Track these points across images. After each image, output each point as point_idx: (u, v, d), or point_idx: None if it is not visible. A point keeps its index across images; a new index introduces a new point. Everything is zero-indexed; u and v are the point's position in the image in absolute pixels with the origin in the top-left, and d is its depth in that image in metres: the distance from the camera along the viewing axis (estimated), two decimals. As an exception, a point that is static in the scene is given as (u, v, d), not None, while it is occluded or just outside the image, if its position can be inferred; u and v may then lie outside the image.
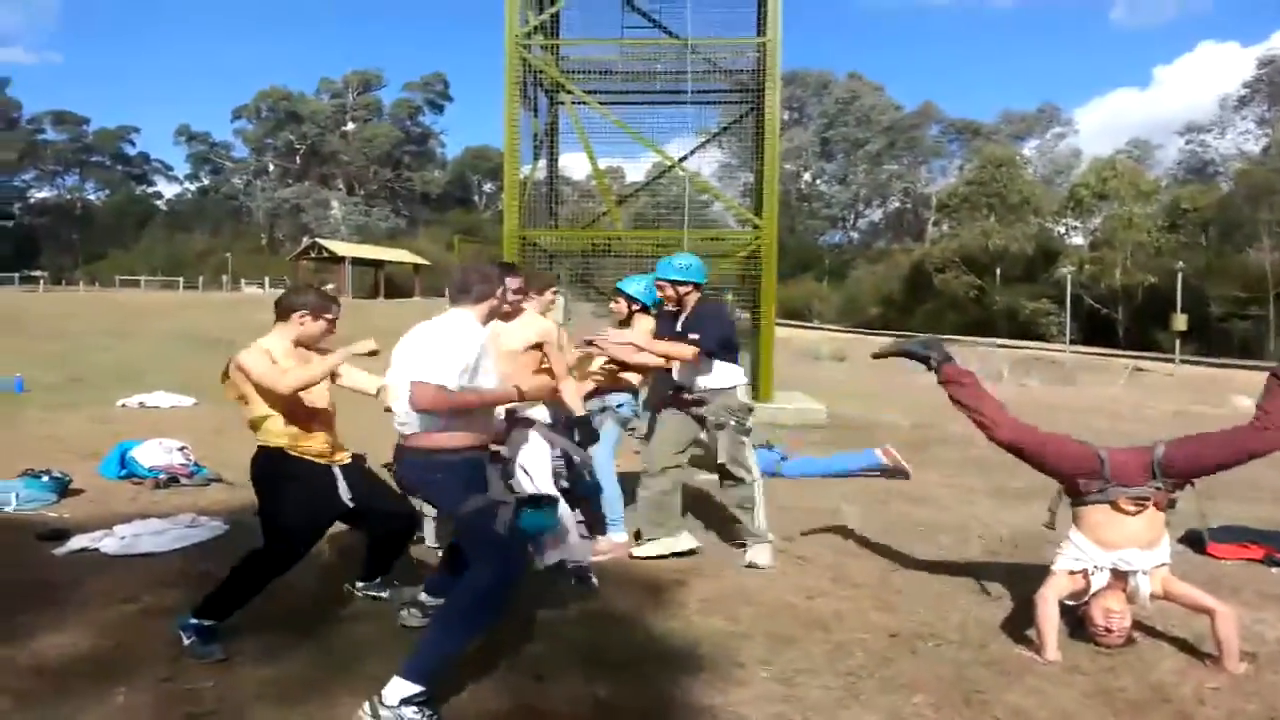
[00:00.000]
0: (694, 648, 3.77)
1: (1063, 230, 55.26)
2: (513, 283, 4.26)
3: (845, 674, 3.54)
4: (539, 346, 4.58)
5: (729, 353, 5.10)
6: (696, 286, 5.19)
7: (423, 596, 4.03)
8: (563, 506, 4.74)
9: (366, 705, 3.08)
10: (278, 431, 3.87)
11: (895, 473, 7.67)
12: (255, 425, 3.92)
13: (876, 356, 4.97)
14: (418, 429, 3.36)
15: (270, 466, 3.89)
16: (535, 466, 4.44)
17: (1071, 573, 3.83)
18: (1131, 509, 3.76)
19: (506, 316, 4.37)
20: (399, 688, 3.05)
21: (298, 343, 4.02)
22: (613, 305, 5.78)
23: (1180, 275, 31.22)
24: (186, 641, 3.60)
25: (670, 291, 5.20)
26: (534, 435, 4.49)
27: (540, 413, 4.60)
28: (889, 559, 5.19)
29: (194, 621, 3.64)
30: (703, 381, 5.04)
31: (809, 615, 4.20)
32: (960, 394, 4.30)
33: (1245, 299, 40.29)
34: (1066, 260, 46.90)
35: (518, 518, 3.52)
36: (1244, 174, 45.71)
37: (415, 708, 3.04)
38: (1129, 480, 3.79)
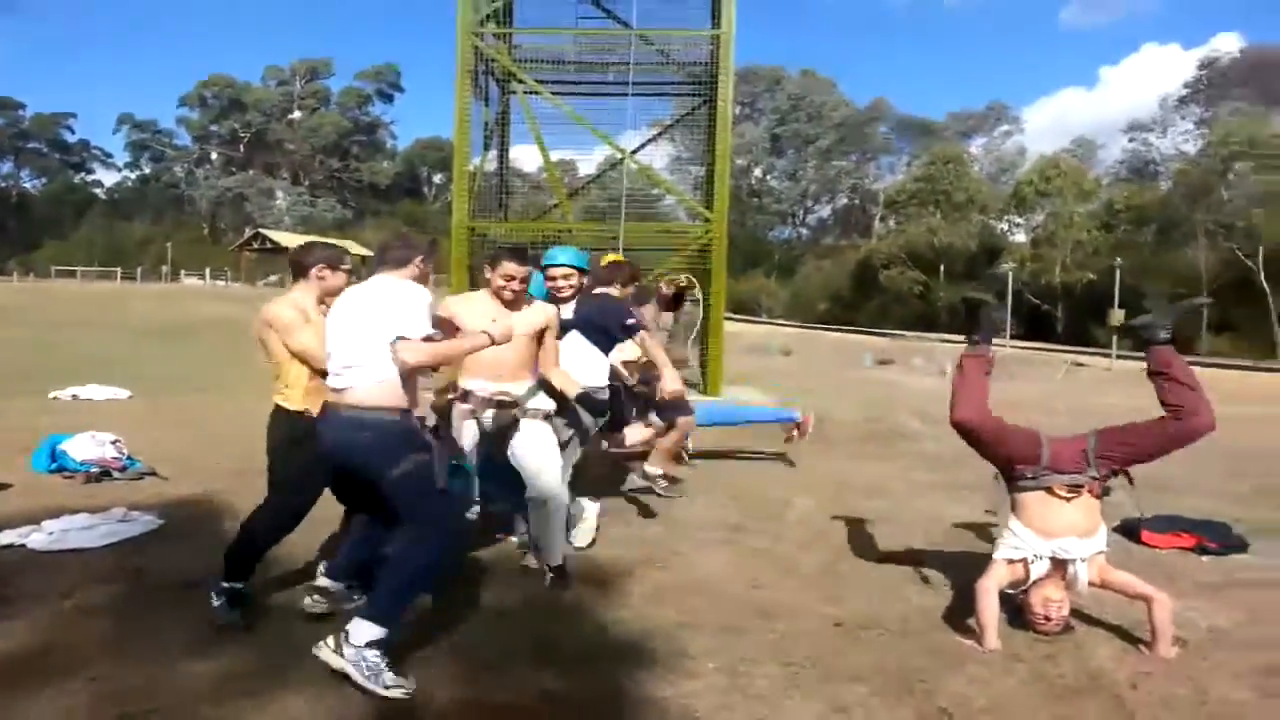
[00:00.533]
0: (643, 639, 3.76)
1: (1005, 227, 56.27)
2: (519, 270, 4.27)
3: (790, 664, 3.55)
4: (543, 333, 4.47)
5: None
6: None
7: (323, 581, 3.98)
8: (588, 501, 5.05)
9: (330, 639, 3.23)
10: (302, 392, 3.91)
11: (797, 434, 7.77)
12: (284, 382, 3.99)
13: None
14: (355, 386, 3.43)
15: (289, 428, 3.92)
16: (466, 442, 4.40)
17: (1011, 561, 3.87)
18: (1066, 494, 3.82)
19: (514, 304, 4.33)
20: (363, 629, 3.20)
21: (321, 298, 4.01)
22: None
23: (1118, 272, 31.94)
24: (215, 603, 3.76)
25: (577, 281, 4.98)
26: (465, 418, 4.41)
27: (543, 401, 4.49)
28: (836, 550, 5.22)
29: (225, 585, 3.79)
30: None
31: (756, 606, 4.21)
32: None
33: (1181, 296, 41.29)
34: (1009, 257, 47.78)
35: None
36: (1182, 173, 46.87)
37: (378, 652, 3.19)
38: (1064, 467, 3.86)
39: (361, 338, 3.45)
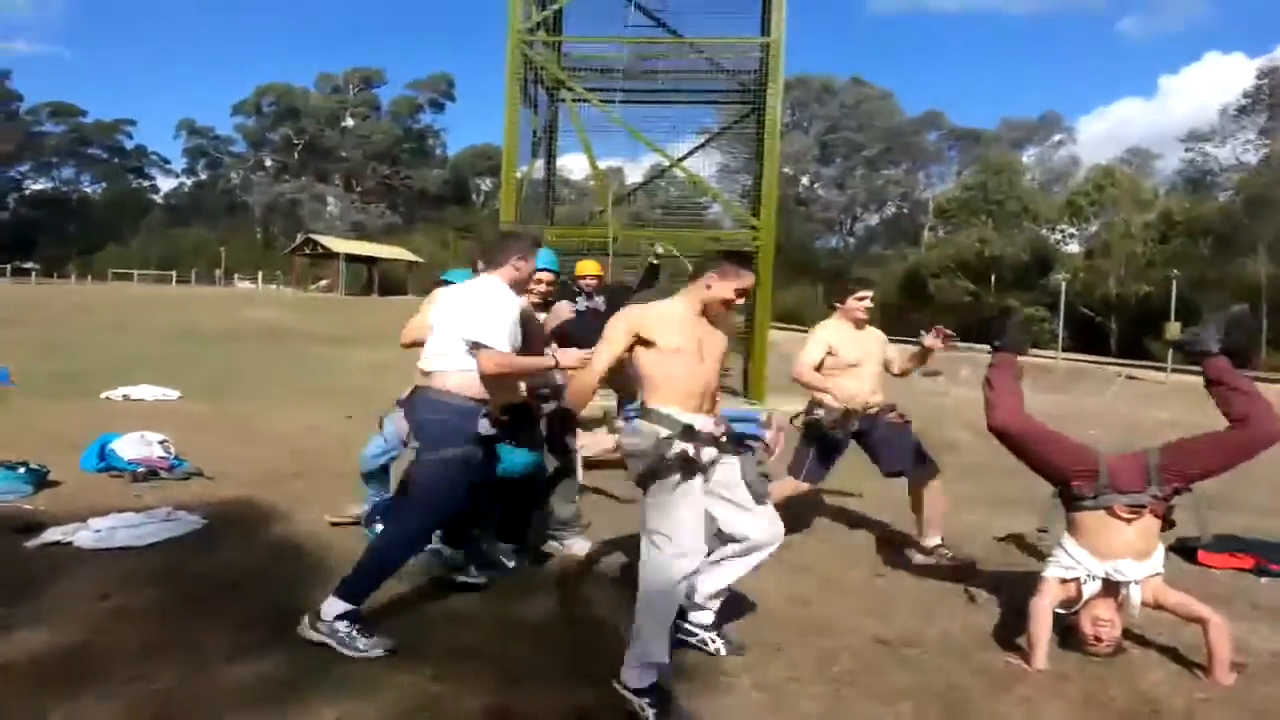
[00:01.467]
0: (681, 654, 3.68)
1: (1059, 238, 55.30)
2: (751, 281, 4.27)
3: (831, 682, 3.47)
4: None
5: None
6: None
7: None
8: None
9: (306, 618, 3.57)
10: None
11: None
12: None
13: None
14: (446, 370, 3.76)
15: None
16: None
17: (1064, 581, 3.75)
18: (1128, 516, 3.69)
19: (722, 320, 4.05)
20: (333, 605, 3.55)
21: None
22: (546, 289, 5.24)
23: (1174, 285, 31.21)
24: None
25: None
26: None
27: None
28: (880, 565, 5.12)
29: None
30: None
31: (797, 622, 4.13)
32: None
33: (1223, 309, 40.25)
34: (1061, 268, 46.93)
35: (496, 460, 3.99)
36: (1244, 183, 45.73)
37: (347, 623, 3.52)
38: (1126, 486, 3.71)
39: (449, 331, 3.77)
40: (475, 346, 3.68)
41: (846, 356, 5.10)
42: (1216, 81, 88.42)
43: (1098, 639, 3.68)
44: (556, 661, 3.57)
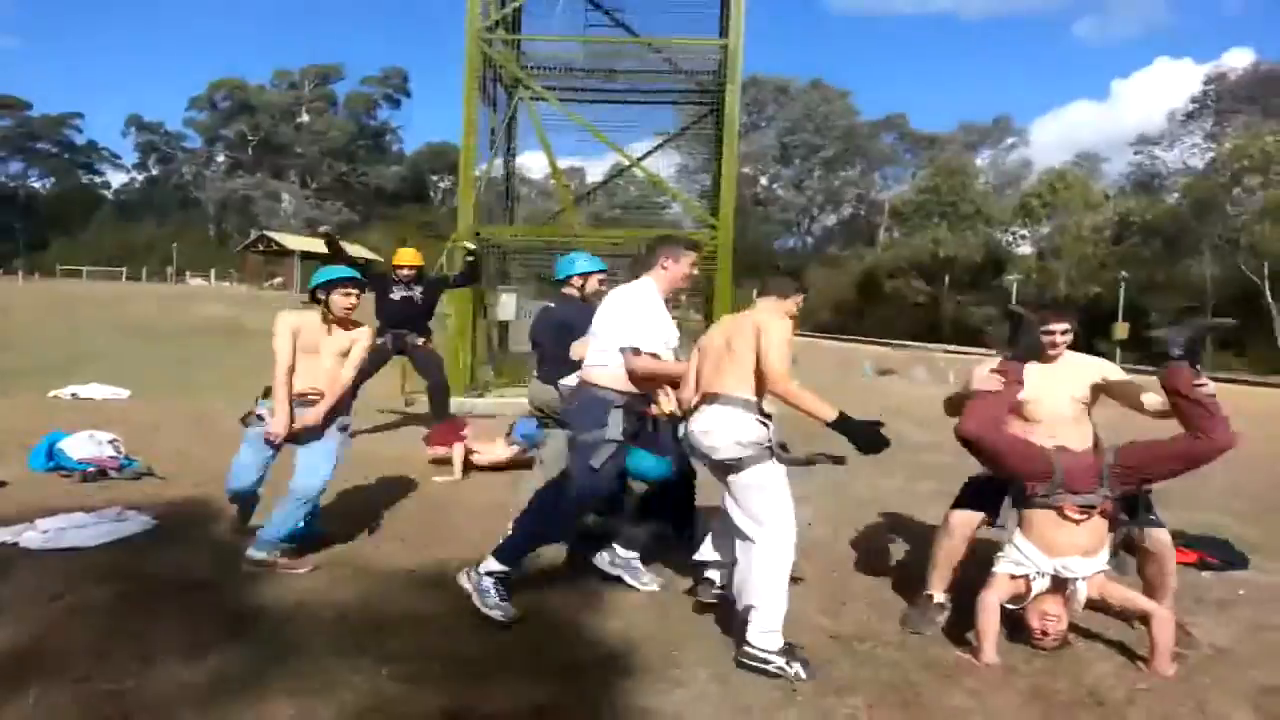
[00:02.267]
0: (636, 648, 3.73)
1: (1011, 240, 56.23)
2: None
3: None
4: None
5: None
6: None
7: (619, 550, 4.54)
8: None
9: (468, 568, 4.05)
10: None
11: None
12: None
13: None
14: (597, 368, 4.13)
15: None
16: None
17: (1013, 577, 3.83)
18: (1077, 517, 3.77)
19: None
20: (490, 563, 3.97)
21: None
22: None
23: (1123, 286, 31.88)
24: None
25: None
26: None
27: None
28: (834, 561, 5.18)
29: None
30: None
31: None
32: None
33: (1186, 309, 41.24)
34: (1014, 269, 47.76)
35: (627, 456, 4.17)
36: (1190, 187, 46.79)
37: (494, 581, 3.94)
38: (1078, 486, 3.79)
39: (604, 331, 4.15)
40: (631, 350, 4.02)
41: None
42: (1166, 86, 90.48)
43: (1044, 633, 3.76)
44: (514, 659, 3.58)
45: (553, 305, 5.89)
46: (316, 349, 4.70)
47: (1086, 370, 4.20)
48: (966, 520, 4.17)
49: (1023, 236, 55.04)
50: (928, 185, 59.98)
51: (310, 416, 4.67)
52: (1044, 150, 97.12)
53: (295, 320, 4.69)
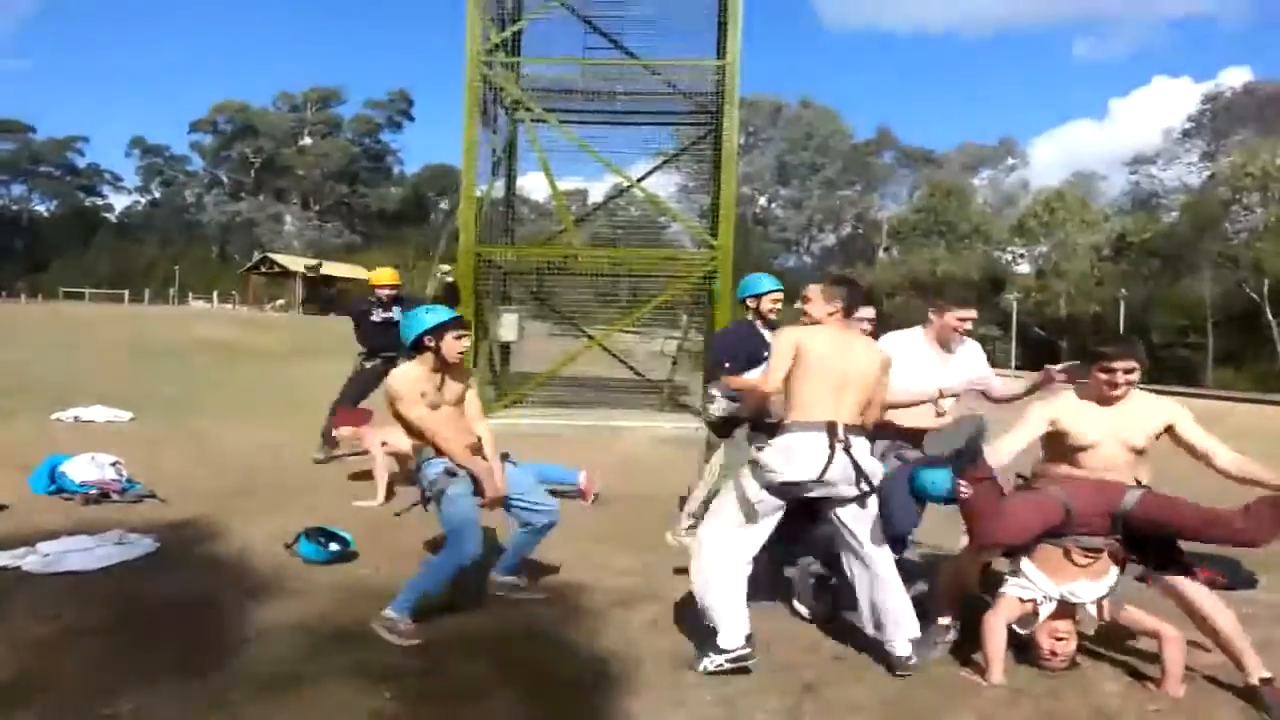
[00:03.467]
0: (637, 669, 3.70)
1: (1009, 259, 56.34)
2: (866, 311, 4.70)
3: (788, 696, 3.49)
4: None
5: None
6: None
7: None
8: None
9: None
10: None
11: (582, 496, 7.30)
12: None
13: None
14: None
15: None
16: None
17: (1021, 600, 3.78)
18: (1083, 561, 3.71)
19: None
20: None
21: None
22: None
23: (1123, 304, 31.91)
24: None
25: None
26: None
27: None
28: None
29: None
30: None
31: (756, 637, 4.13)
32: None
33: (1185, 327, 41.32)
34: (1013, 288, 47.83)
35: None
36: (1189, 205, 46.92)
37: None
38: (1090, 529, 3.70)
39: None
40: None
41: None
42: (1164, 104, 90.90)
43: (1054, 653, 3.72)
44: (516, 677, 3.56)
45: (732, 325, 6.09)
46: (439, 401, 4.32)
47: (1153, 415, 3.82)
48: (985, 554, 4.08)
49: (1021, 256, 55.17)
50: (924, 205, 60.20)
51: (498, 469, 4.34)
52: (1044, 169, 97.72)
53: (412, 378, 4.28)
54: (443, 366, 4.30)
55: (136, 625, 3.99)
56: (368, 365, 8.62)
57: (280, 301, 55.07)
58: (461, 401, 4.42)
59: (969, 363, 4.85)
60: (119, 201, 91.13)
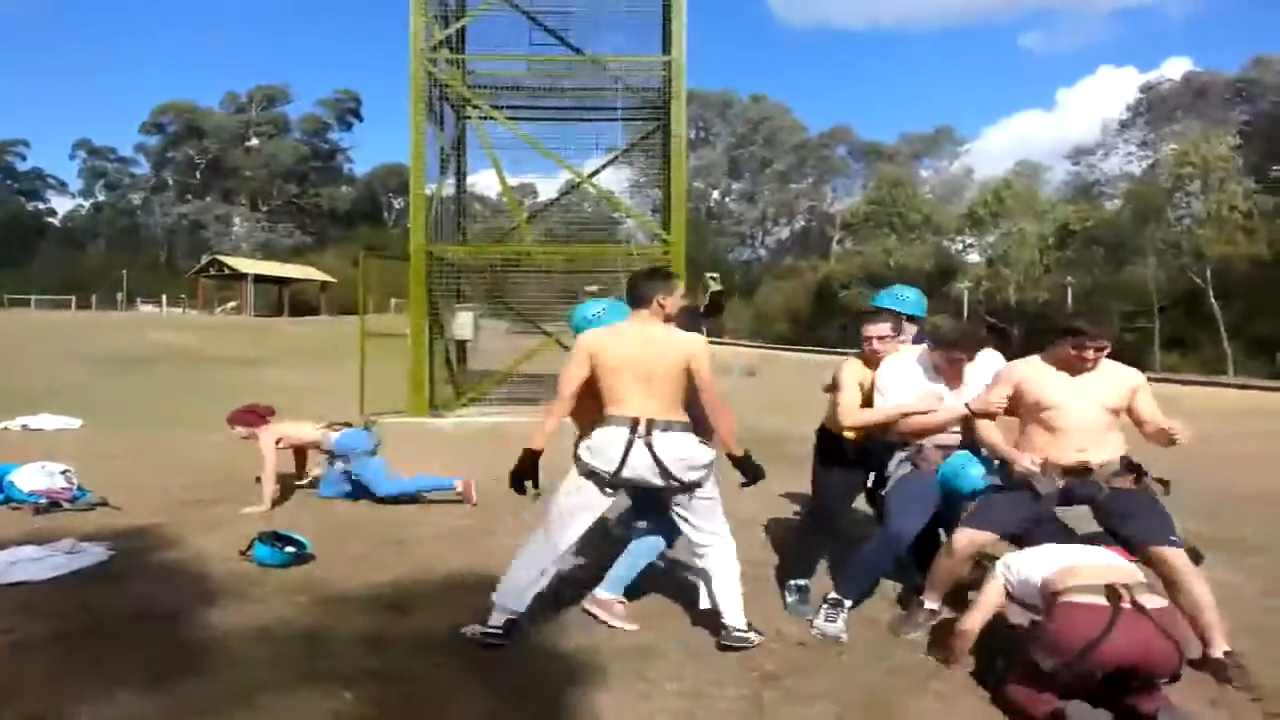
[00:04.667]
0: (602, 663, 3.71)
1: (959, 248, 57.13)
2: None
3: (750, 684, 3.53)
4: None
5: None
6: None
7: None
8: None
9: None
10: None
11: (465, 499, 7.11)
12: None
13: None
14: None
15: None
16: None
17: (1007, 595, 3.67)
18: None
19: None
20: (835, 592, 4.21)
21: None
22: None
23: (1070, 290, 32.50)
24: (789, 599, 4.51)
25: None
26: None
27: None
28: (802, 570, 5.19)
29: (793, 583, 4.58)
30: None
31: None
32: None
33: (1132, 313, 42.17)
34: (963, 277, 48.51)
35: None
36: (1132, 193, 47.84)
37: (829, 608, 4.15)
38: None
39: None
40: None
41: None
42: (1110, 94, 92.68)
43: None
44: (479, 677, 3.55)
45: None
46: None
47: (1121, 381, 3.94)
48: (976, 540, 3.97)
49: (970, 245, 55.96)
50: (875, 197, 60.87)
51: None
52: (995, 159, 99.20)
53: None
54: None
55: (90, 634, 3.93)
56: None
57: (232, 304, 54.23)
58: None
59: (983, 376, 4.37)
60: (62, 206, 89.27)
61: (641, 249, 14.09)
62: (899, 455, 4.39)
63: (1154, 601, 3.17)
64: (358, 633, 4.02)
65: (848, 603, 4.21)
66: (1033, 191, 52.92)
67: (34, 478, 6.52)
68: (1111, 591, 3.17)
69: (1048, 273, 46.11)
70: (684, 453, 3.83)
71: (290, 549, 5.08)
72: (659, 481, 3.85)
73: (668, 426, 3.84)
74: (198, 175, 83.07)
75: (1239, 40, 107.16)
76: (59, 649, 3.76)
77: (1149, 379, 4.11)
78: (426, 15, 12.65)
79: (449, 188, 14.45)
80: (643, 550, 4.39)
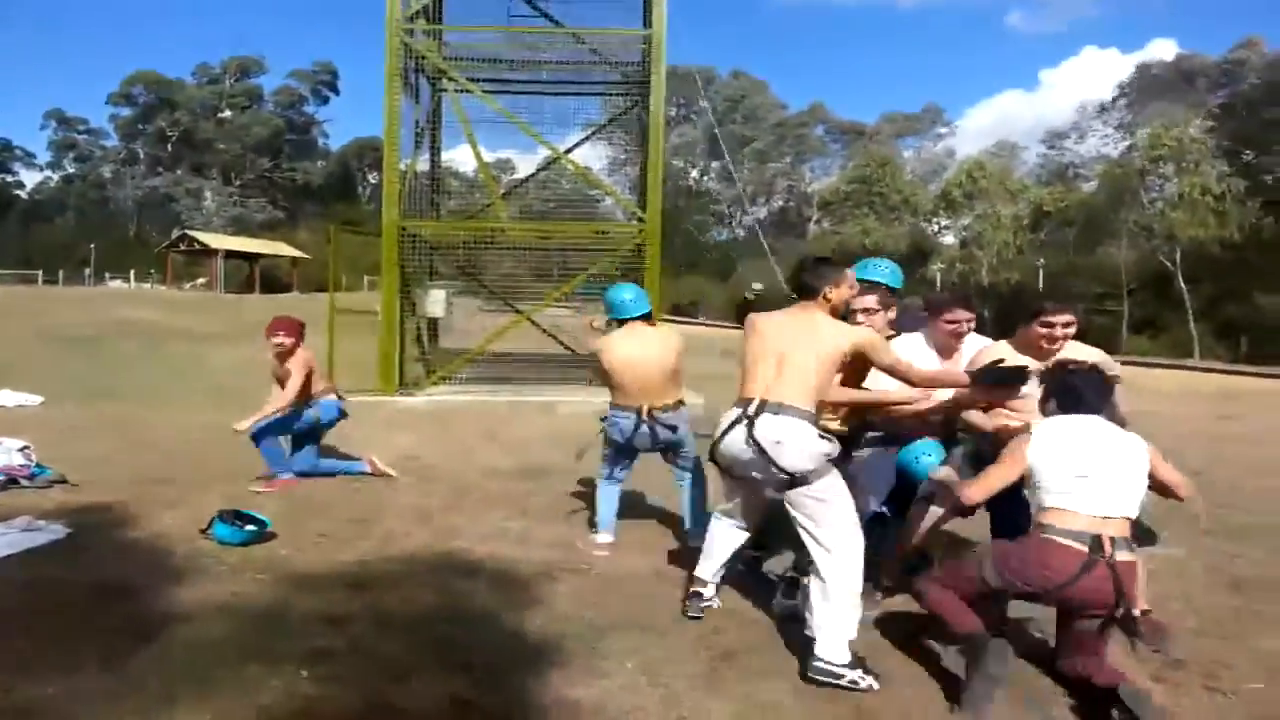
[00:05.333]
0: (559, 641, 3.72)
1: (935, 229, 57.34)
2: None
3: (709, 662, 3.55)
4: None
5: None
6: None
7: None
8: None
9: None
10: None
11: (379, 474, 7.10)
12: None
13: None
14: None
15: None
16: None
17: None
18: None
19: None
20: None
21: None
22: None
23: (1042, 272, 32.73)
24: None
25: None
26: None
27: None
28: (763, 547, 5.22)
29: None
30: None
31: (677, 605, 4.19)
32: None
33: (1103, 294, 42.50)
34: (938, 258, 48.73)
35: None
36: (1106, 175, 48.06)
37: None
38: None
39: None
40: None
41: None
42: (1094, 75, 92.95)
43: None
44: (435, 655, 3.55)
45: None
46: None
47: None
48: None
49: (946, 227, 56.17)
50: (856, 176, 60.89)
51: None
52: (977, 139, 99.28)
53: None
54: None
55: (47, 612, 3.88)
56: None
57: (201, 281, 53.60)
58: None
59: (968, 353, 4.46)
60: (30, 179, 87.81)
61: (616, 225, 14.03)
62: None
63: (1124, 556, 3.22)
64: (317, 611, 4.00)
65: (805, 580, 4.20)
66: (1006, 172, 53.08)
67: (-9, 454, 6.43)
68: (1096, 543, 3.21)
69: (1020, 254, 46.38)
70: (786, 436, 3.59)
71: (251, 527, 5.04)
72: (749, 459, 3.67)
73: (779, 409, 3.65)
74: (169, 148, 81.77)
75: (1225, 22, 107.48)
76: (15, 626, 3.72)
77: (1117, 362, 4.13)
78: (403, -16, 12.46)
79: (424, 163, 14.31)
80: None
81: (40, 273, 51.71)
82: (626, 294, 5.28)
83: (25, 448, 6.67)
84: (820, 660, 3.38)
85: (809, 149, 79.95)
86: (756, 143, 76.86)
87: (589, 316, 5.59)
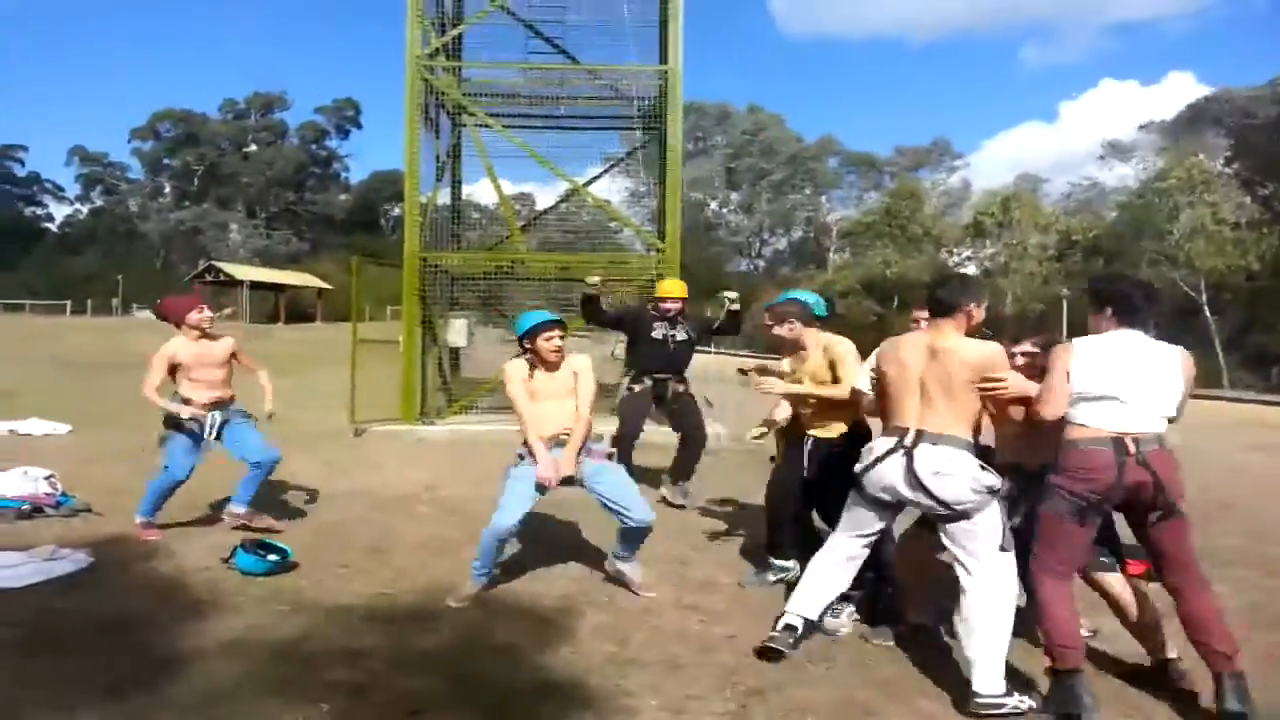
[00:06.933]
0: (582, 677, 3.67)
1: (957, 260, 57.13)
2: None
3: (735, 698, 3.48)
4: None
5: None
6: None
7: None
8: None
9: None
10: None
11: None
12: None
13: None
14: None
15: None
16: None
17: None
18: None
19: None
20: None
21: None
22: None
23: (1066, 303, 32.51)
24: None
25: None
26: None
27: None
28: (784, 582, 5.15)
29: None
30: None
31: (703, 640, 4.13)
32: None
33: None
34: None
35: None
36: (1125, 206, 47.92)
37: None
38: None
39: None
40: None
41: None
42: (1113, 107, 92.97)
43: None
44: (456, 689, 3.50)
45: None
46: (548, 392, 4.79)
47: None
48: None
49: (968, 258, 55.97)
50: (879, 208, 60.99)
51: (565, 458, 4.70)
52: (996, 172, 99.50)
53: (521, 368, 4.81)
54: (541, 362, 4.75)
55: (61, 643, 3.88)
56: (636, 388, 7.68)
57: (228, 311, 54.12)
58: (568, 393, 4.80)
59: None
60: (59, 211, 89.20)
61: (634, 257, 14.05)
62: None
63: (1152, 448, 3.43)
64: (337, 643, 3.97)
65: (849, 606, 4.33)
66: (1036, 203, 53.01)
67: (16, 483, 6.48)
68: (1119, 444, 3.40)
69: (1045, 284, 46.14)
70: (946, 468, 3.56)
71: (273, 557, 5.03)
72: (909, 493, 3.64)
73: (937, 440, 3.62)
74: (195, 182, 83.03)
75: (1243, 55, 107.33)
76: (25, 658, 3.71)
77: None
78: (423, 22, 12.64)
79: (444, 195, 14.43)
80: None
81: (69, 303, 52.38)
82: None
83: (50, 476, 6.72)
84: (981, 696, 3.35)
85: (824, 182, 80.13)
86: (773, 175, 77.15)
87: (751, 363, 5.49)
